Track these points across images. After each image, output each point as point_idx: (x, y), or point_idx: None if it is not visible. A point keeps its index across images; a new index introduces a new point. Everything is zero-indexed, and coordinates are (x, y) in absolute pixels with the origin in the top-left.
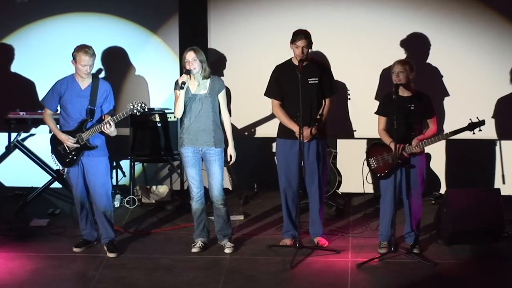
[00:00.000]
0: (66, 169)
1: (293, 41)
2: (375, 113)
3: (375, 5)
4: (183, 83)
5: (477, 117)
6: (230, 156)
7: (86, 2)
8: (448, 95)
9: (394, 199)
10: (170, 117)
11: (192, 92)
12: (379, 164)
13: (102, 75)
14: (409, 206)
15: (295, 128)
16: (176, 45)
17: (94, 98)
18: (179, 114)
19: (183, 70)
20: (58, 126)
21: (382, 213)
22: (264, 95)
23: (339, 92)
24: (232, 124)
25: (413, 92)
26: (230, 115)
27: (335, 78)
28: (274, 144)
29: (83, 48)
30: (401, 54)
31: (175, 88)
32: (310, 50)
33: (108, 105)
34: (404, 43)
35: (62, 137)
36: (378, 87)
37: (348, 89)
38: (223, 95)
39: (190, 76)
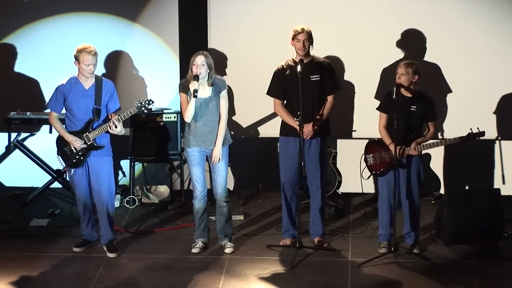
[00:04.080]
0: (72, 170)
1: (294, 36)
2: (376, 109)
3: (376, 3)
4: (196, 91)
5: (477, 128)
6: (214, 157)
7: (86, 2)
8: (448, 94)
9: (394, 200)
10: (170, 117)
11: (199, 96)
12: (375, 162)
13: (101, 74)
14: (408, 206)
15: (296, 126)
16: (176, 45)
17: (99, 97)
18: (188, 119)
19: (189, 73)
20: (63, 126)
21: (381, 213)
22: (266, 94)
23: (339, 92)
24: (233, 123)
25: (415, 94)
26: (234, 115)
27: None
28: (275, 144)
29: (85, 48)
30: (402, 53)
31: (180, 91)
32: (311, 48)
33: (113, 104)
34: (404, 42)
35: (70, 138)
36: (378, 86)
37: (349, 88)
38: (224, 94)
39: (199, 82)
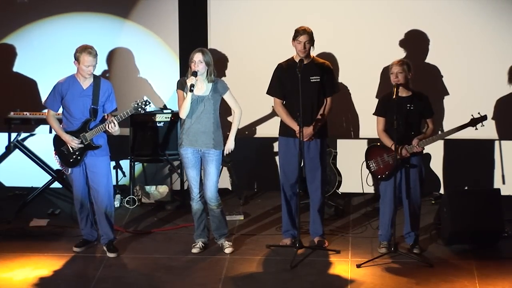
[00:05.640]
0: (69, 169)
1: (295, 37)
2: (373, 114)
3: (375, 2)
4: (192, 85)
5: (478, 113)
6: (227, 149)
7: (86, 2)
8: (447, 94)
9: (394, 200)
10: (170, 117)
11: (196, 93)
12: (379, 166)
13: (101, 73)
14: (409, 206)
15: (295, 127)
16: (176, 45)
17: (97, 97)
18: (184, 115)
19: (189, 71)
20: (61, 126)
21: (382, 213)
22: (266, 93)
23: (340, 92)
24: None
25: (411, 92)
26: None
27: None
28: (274, 144)
29: (86, 49)
30: (401, 53)
31: (177, 88)
32: (312, 49)
33: (110, 104)
34: (403, 42)
35: (66, 138)
36: (379, 86)
37: (348, 88)
38: (229, 95)
39: (196, 78)
